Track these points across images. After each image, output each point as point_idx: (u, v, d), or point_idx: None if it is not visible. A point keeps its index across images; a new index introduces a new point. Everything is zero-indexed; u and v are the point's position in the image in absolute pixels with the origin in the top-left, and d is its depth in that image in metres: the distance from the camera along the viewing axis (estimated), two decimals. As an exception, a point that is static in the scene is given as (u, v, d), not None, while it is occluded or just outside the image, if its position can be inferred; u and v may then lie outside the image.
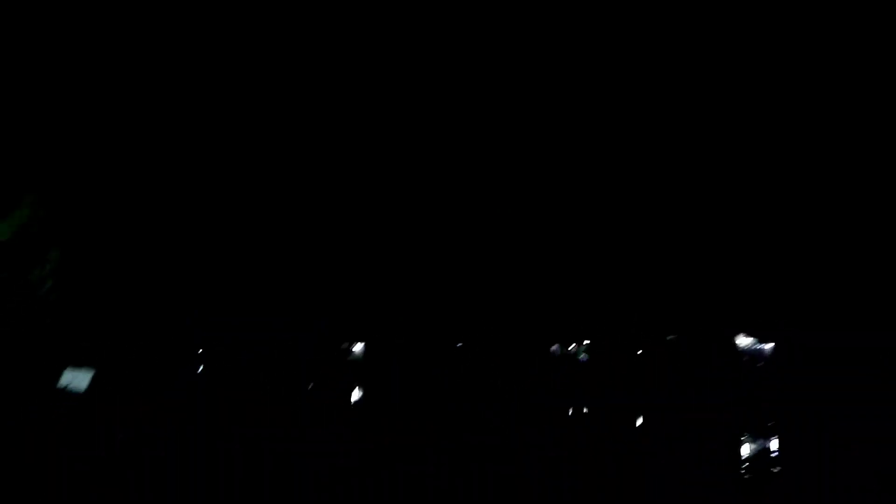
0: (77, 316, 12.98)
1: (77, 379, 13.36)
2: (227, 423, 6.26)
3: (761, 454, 15.48)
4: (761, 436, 17.81)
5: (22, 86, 12.30)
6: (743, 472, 12.73)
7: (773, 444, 16.41)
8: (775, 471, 12.85)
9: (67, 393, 13.12)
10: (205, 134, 12.70)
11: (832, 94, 12.64)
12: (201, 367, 7.61)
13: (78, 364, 13.40)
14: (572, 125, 12.76)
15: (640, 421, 21.99)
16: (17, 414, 11.77)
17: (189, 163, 12.95)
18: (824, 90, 12.29)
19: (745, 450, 15.87)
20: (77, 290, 12.70)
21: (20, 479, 7.75)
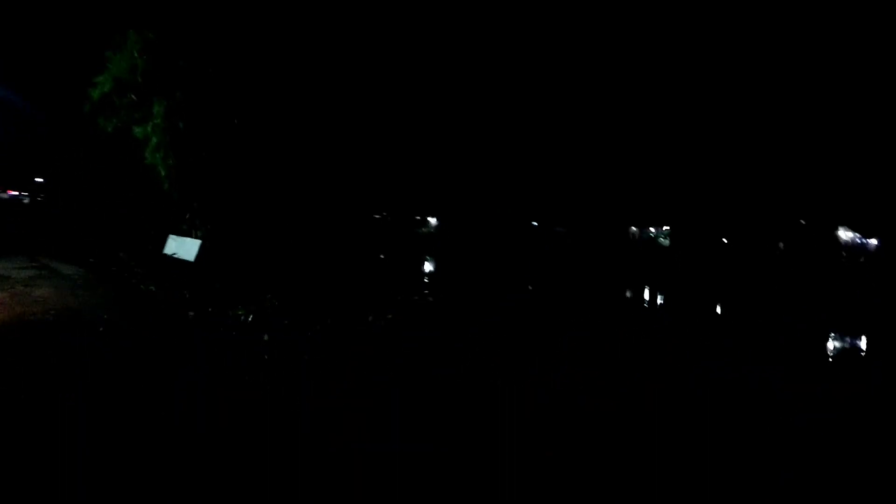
0: (182, 179, 12.00)
1: (184, 247, 12.54)
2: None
3: (849, 351, 14.25)
4: (851, 333, 16.29)
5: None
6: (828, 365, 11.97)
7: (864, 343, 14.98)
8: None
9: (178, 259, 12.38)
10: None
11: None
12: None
13: (187, 232, 12.59)
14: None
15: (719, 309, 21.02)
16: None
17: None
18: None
19: (832, 346, 14.63)
20: (180, 152, 11.64)
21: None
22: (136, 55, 10.90)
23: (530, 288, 22.84)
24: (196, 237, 12.94)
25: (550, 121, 40.94)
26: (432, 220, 45.03)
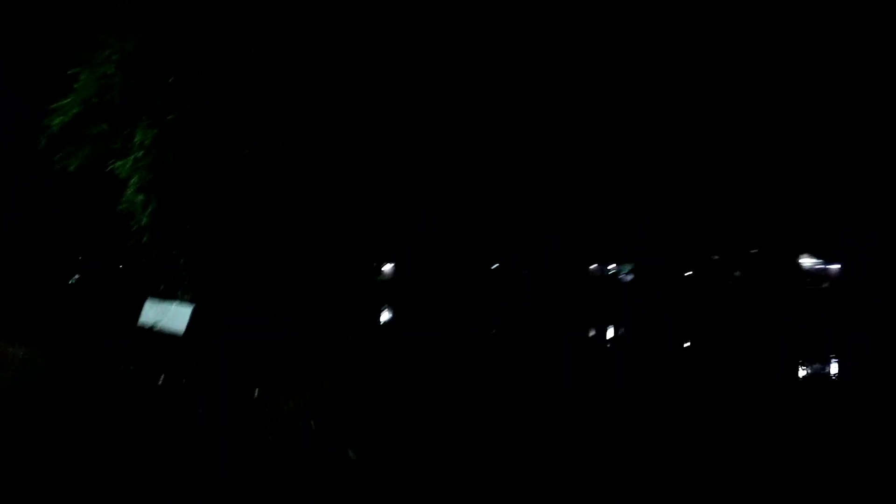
0: (166, 228, 9.58)
1: (168, 315, 10.06)
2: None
3: (819, 378, 13.55)
4: (820, 360, 15.64)
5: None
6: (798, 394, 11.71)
7: (833, 369, 14.47)
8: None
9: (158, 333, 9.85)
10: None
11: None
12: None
13: (168, 294, 10.09)
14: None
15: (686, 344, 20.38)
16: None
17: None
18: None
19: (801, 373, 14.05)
20: (166, 194, 9.19)
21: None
22: (112, 71, 8.43)
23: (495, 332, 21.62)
24: (183, 301, 10.30)
25: (508, 163, 40.05)
26: (387, 268, 42.96)
